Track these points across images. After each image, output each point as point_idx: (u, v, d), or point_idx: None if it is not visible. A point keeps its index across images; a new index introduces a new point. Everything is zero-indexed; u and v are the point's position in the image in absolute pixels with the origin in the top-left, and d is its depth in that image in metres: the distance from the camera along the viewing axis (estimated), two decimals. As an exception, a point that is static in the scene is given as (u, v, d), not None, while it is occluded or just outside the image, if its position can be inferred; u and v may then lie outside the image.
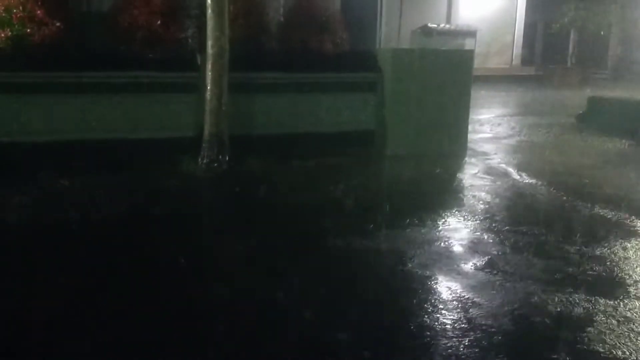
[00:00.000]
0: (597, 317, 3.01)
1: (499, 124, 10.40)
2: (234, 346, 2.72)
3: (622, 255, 3.93)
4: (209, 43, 5.94)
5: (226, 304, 3.16)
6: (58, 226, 4.33)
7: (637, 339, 2.79)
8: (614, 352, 2.67)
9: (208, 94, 5.98)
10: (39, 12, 6.19)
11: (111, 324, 2.87)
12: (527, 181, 6.03)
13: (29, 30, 6.15)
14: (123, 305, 3.06)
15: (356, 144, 7.09)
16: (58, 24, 6.30)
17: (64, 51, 6.30)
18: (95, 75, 6.20)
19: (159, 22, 6.57)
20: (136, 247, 3.94)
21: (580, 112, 10.35)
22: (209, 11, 5.90)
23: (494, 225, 4.53)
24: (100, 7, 7.72)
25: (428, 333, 2.84)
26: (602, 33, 21.23)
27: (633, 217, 4.76)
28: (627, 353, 2.67)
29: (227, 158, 6.02)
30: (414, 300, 3.19)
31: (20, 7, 6.15)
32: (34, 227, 4.33)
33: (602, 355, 2.66)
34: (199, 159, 6.01)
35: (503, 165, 6.80)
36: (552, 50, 25.53)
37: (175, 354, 2.64)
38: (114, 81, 6.26)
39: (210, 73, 5.96)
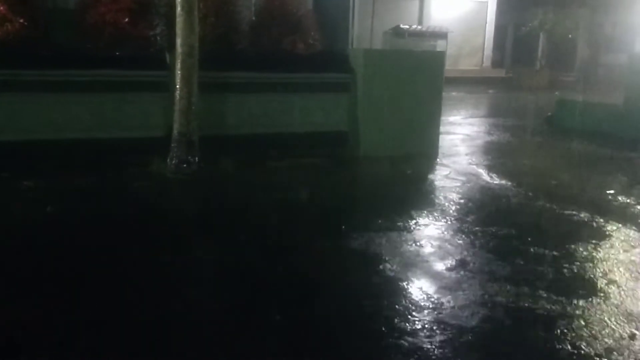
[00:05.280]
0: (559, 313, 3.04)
1: (470, 126, 10.50)
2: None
3: (584, 253, 3.97)
4: (179, 41, 5.84)
5: (188, 306, 3.10)
6: (11, 227, 4.20)
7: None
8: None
9: (177, 93, 5.88)
10: (1, 8, 6.05)
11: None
12: (497, 182, 6.08)
13: (-9, 26, 6.00)
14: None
15: (329, 144, 7.06)
16: (22, 20, 6.16)
17: (29, 48, 6.15)
18: (61, 73, 6.03)
19: (127, 19, 6.47)
20: (91, 250, 3.78)
21: (549, 114, 10.51)
22: (179, 9, 5.80)
23: (464, 225, 4.54)
24: (67, 3, 7.57)
25: (391, 330, 2.82)
26: (570, 36, 21.65)
27: (596, 216, 4.85)
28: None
29: (196, 159, 5.93)
30: (382, 304, 3.16)
31: (-18, 3, 6.00)
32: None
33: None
34: (168, 160, 5.91)
35: (474, 167, 6.84)
36: (522, 52, 25.96)
37: None
38: (81, 79, 6.10)
39: (179, 72, 5.86)
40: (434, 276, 3.56)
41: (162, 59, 6.48)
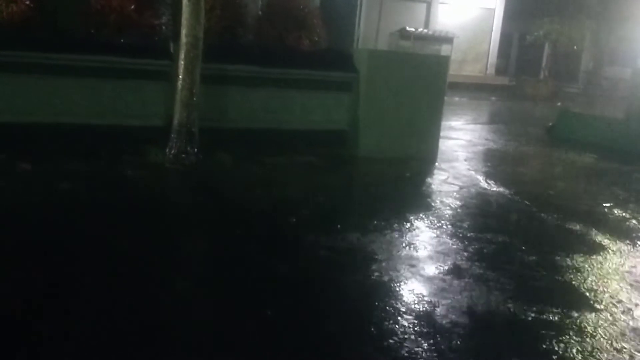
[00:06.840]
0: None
1: (471, 132, 10.49)
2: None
3: (575, 262, 3.98)
4: (184, 32, 5.82)
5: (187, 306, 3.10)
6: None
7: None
8: None
9: (179, 84, 5.86)
10: (8, -12, 6.02)
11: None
12: (494, 189, 6.08)
13: (-4, 7, 5.98)
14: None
15: (328, 143, 7.04)
16: (27, 2, 6.14)
17: (33, 31, 6.12)
18: (64, 57, 6.01)
19: (132, 6, 6.45)
20: (82, 238, 3.77)
21: (550, 124, 10.52)
22: (186, -1, 5.79)
23: (458, 230, 4.54)
24: (74, -13, 7.52)
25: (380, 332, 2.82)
26: (575, 48, 21.65)
27: (590, 227, 4.86)
28: None
29: (195, 150, 5.92)
30: (363, 304, 3.16)
31: (-13, -16, 5.97)
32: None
33: None
34: (167, 150, 5.89)
35: (472, 172, 6.84)
36: (526, 61, 25.99)
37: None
38: (83, 64, 6.09)
39: (183, 62, 5.84)
40: (421, 278, 3.56)
41: (166, 49, 6.46)
